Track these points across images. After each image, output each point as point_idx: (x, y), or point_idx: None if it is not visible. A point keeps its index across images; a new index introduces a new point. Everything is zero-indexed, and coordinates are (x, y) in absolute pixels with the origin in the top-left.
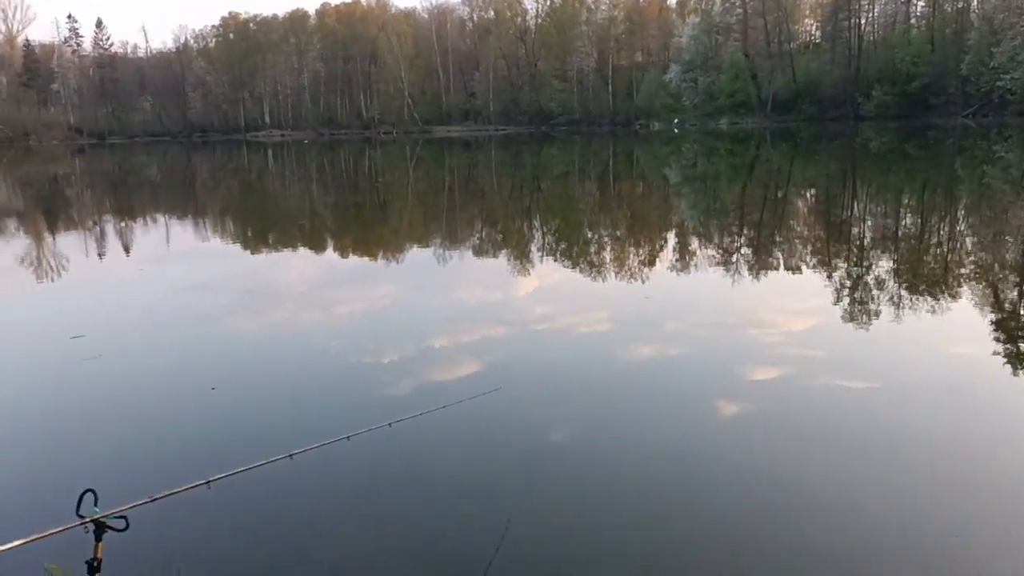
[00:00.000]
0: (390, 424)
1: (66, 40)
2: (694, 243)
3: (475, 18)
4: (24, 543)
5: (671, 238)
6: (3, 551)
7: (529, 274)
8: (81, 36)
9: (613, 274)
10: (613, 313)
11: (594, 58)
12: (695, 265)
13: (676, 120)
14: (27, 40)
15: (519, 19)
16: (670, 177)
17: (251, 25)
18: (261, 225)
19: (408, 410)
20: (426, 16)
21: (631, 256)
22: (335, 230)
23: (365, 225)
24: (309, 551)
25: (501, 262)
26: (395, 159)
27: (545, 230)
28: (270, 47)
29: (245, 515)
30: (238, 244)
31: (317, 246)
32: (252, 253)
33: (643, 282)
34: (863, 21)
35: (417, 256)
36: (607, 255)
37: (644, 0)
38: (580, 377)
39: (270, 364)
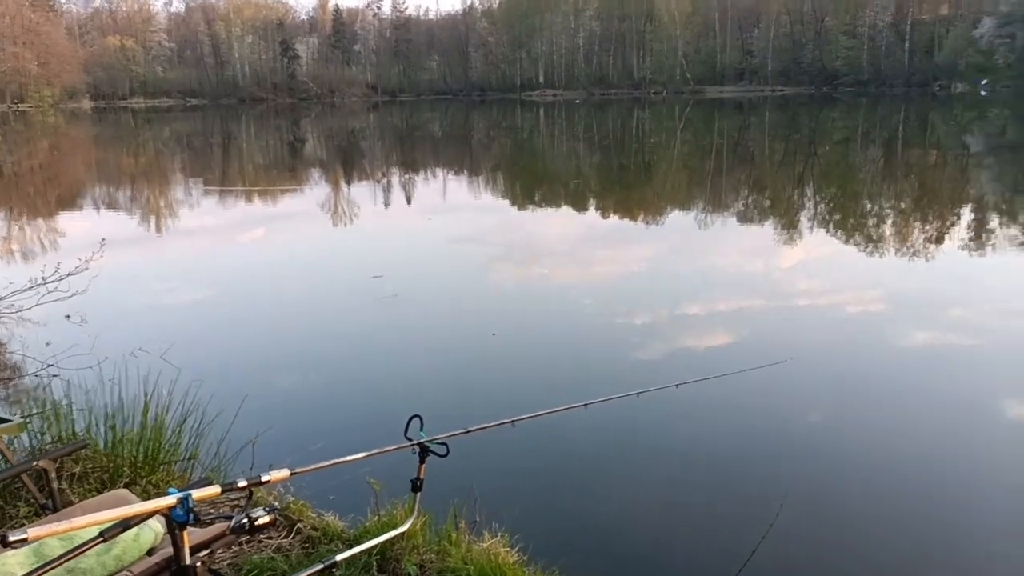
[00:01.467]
0: (677, 386)
1: (368, 4)
2: (993, 222)
3: None
4: (367, 456)
5: (964, 215)
6: (348, 462)
7: (800, 245)
8: (381, 0)
9: (893, 250)
10: (892, 292)
11: (891, 12)
12: (992, 246)
13: (984, 81)
14: (336, 5)
15: None
16: (971, 145)
17: None
18: (530, 182)
19: (695, 373)
20: None
21: (913, 232)
22: (600, 190)
23: (629, 186)
24: (593, 495)
25: (765, 230)
26: (663, 120)
27: (818, 199)
28: (549, 7)
29: (541, 454)
30: (507, 200)
31: (580, 206)
32: (520, 209)
33: (928, 260)
34: None
35: (681, 220)
36: (886, 230)
37: None
38: (866, 357)
39: (543, 317)
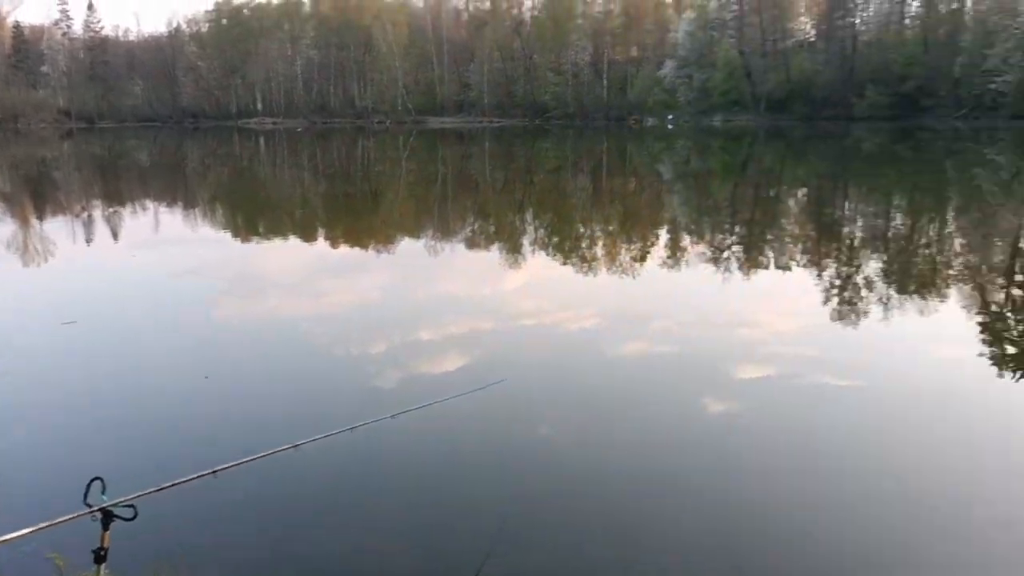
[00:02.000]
0: (393, 416)
1: (56, 22)
2: (686, 240)
3: (471, 9)
4: (33, 531)
5: (663, 235)
6: (12, 539)
7: (522, 267)
8: (71, 19)
9: (606, 269)
10: (607, 308)
11: (589, 52)
12: (686, 262)
13: (670, 116)
14: (16, 21)
15: (515, 11)
16: (663, 173)
17: (244, 11)
18: (252, 213)
19: (411, 402)
20: (421, 5)
21: (624, 252)
22: (327, 219)
23: (357, 215)
24: (312, 541)
25: (494, 255)
26: (388, 149)
27: (538, 224)
28: (263, 33)
29: (250, 504)
30: (228, 232)
31: (308, 235)
32: (242, 242)
33: (635, 278)
34: (857, 21)
35: (410, 247)
36: (600, 250)
37: None
38: (581, 371)
39: (264, 354)
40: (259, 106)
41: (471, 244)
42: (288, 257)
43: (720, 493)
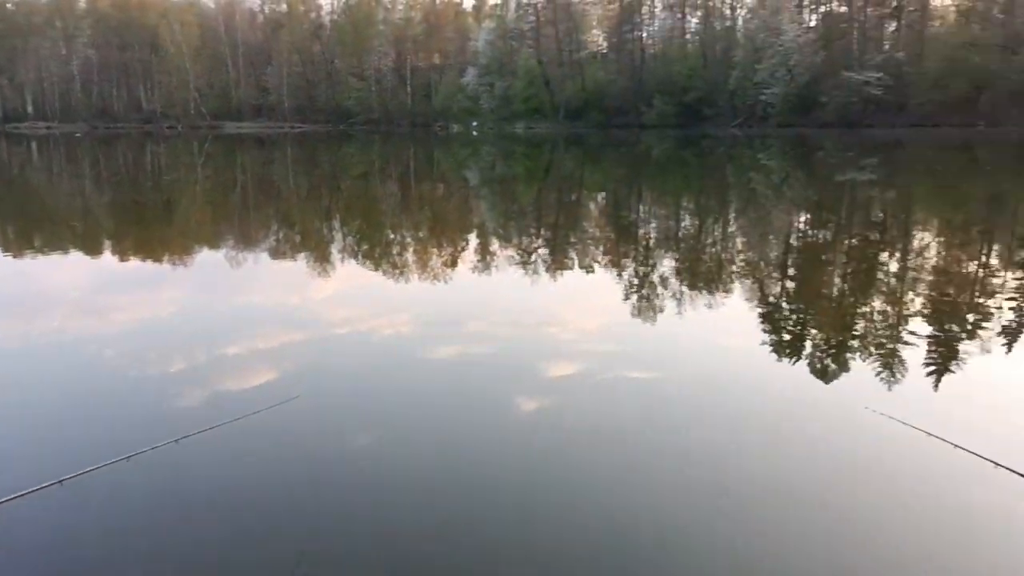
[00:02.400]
0: (177, 440)
1: None
2: (494, 244)
3: (266, 11)
4: None
5: (472, 239)
6: None
7: (329, 276)
8: None
9: (415, 275)
10: (415, 315)
11: (392, 58)
12: (495, 266)
13: (474, 123)
14: None
15: (313, 14)
16: (470, 179)
17: (9, 6)
18: (25, 226)
19: (197, 424)
20: (212, 5)
21: (433, 257)
22: (114, 231)
23: (147, 225)
24: None
25: (298, 264)
26: (181, 155)
27: (345, 231)
28: (32, 31)
29: (9, 549)
30: None
31: (92, 249)
32: (14, 257)
33: (445, 282)
34: (644, 34)
35: (207, 259)
36: (409, 256)
37: (441, 2)
38: (384, 381)
39: (35, 380)
40: (30, 109)
41: (275, 253)
42: (70, 273)
43: (527, 492)
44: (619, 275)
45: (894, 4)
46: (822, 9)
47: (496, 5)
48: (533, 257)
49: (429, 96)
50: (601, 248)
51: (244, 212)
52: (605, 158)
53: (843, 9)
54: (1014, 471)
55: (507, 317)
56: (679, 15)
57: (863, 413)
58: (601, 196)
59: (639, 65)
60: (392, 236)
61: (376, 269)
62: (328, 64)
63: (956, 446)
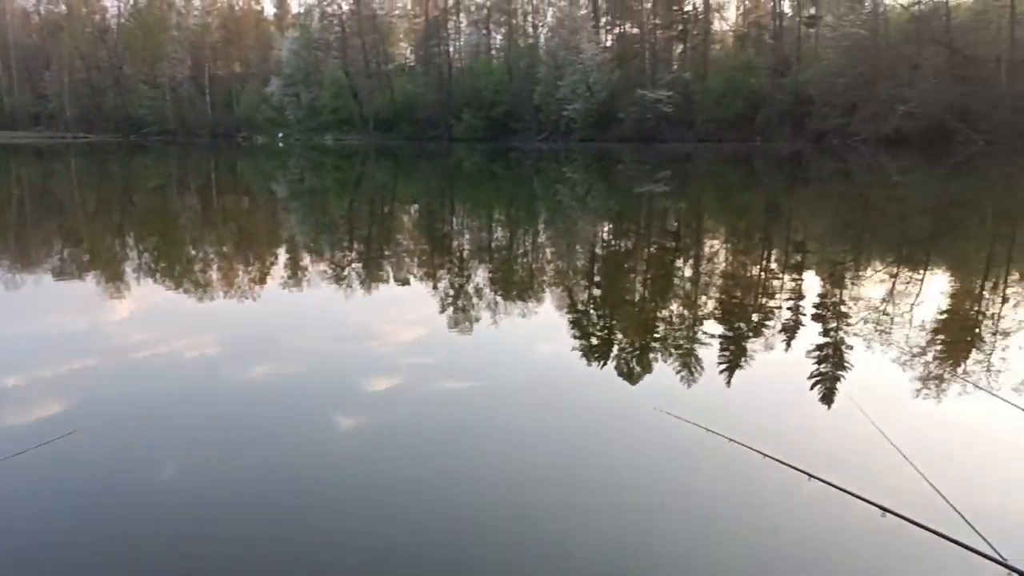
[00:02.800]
0: None
1: None
2: (306, 258)
3: (42, 11)
4: None
5: (281, 254)
6: None
7: (121, 297)
8: None
9: (221, 293)
10: (222, 335)
11: (188, 65)
12: (308, 281)
13: (280, 134)
14: None
15: (97, 16)
16: (277, 191)
17: None
18: None
19: None
20: None
21: (239, 274)
22: None
23: None
24: None
25: (86, 285)
26: None
27: (140, 248)
28: None
29: None
30: None
31: None
32: None
33: (254, 300)
34: (451, 49)
35: None
36: (212, 274)
37: (240, 8)
38: (185, 408)
39: None
40: None
41: (58, 274)
42: None
43: (349, 507)
44: (434, 287)
45: (680, 28)
46: (616, 30)
47: (300, 14)
48: (347, 271)
49: (231, 106)
50: (416, 260)
51: (21, 229)
52: (416, 170)
53: (635, 31)
54: (782, 462)
55: (323, 333)
56: (484, 31)
57: (652, 413)
58: (414, 208)
59: (447, 79)
60: (193, 252)
61: (177, 288)
62: (116, 70)
63: (731, 440)
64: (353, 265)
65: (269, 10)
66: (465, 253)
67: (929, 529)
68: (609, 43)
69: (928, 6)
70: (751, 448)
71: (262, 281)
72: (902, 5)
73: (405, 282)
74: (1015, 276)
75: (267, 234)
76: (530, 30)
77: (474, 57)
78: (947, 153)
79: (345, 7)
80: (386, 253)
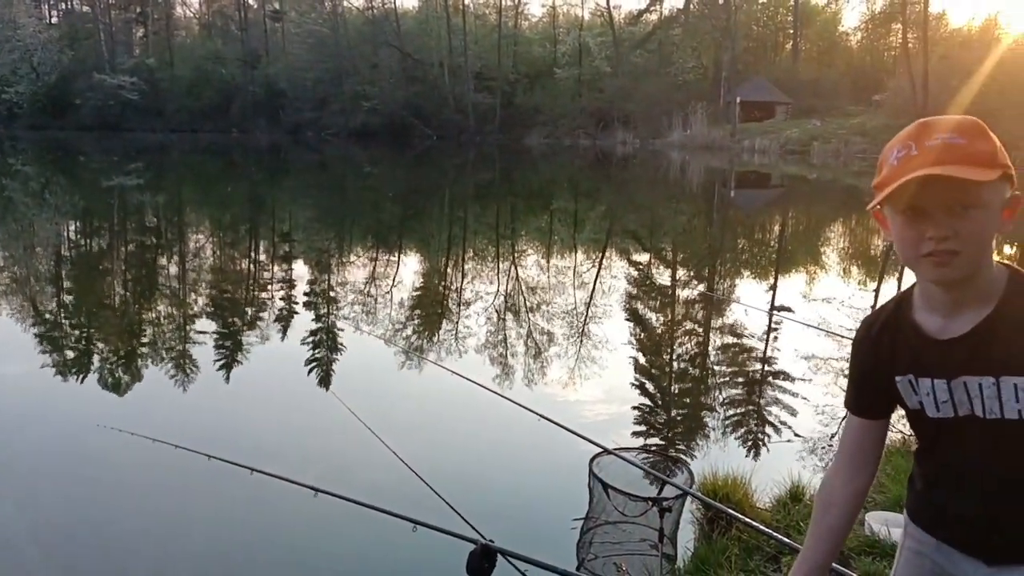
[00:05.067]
0: None
1: None
2: None
3: None
4: None
5: None
6: None
7: None
8: None
9: None
10: None
11: None
12: None
13: None
14: None
15: None
16: None
17: None
18: None
19: None
20: None
21: None
22: None
23: None
24: None
25: None
26: None
27: None
28: None
29: None
30: None
31: None
32: None
33: None
34: None
35: None
36: None
37: None
38: None
39: None
40: None
41: None
42: None
43: None
44: None
45: (138, 10)
46: (63, 6)
47: None
48: None
49: None
50: None
51: None
52: None
53: (86, 9)
54: (231, 462)
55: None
56: None
57: (97, 430)
58: None
59: None
60: None
61: None
62: None
63: (177, 446)
64: None
65: None
66: None
67: (358, 502)
68: (55, 20)
69: (380, 11)
70: (197, 452)
71: None
72: (357, 8)
73: None
74: (470, 253)
75: None
76: None
77: None
78: (408, 146)
79: None
80: None
